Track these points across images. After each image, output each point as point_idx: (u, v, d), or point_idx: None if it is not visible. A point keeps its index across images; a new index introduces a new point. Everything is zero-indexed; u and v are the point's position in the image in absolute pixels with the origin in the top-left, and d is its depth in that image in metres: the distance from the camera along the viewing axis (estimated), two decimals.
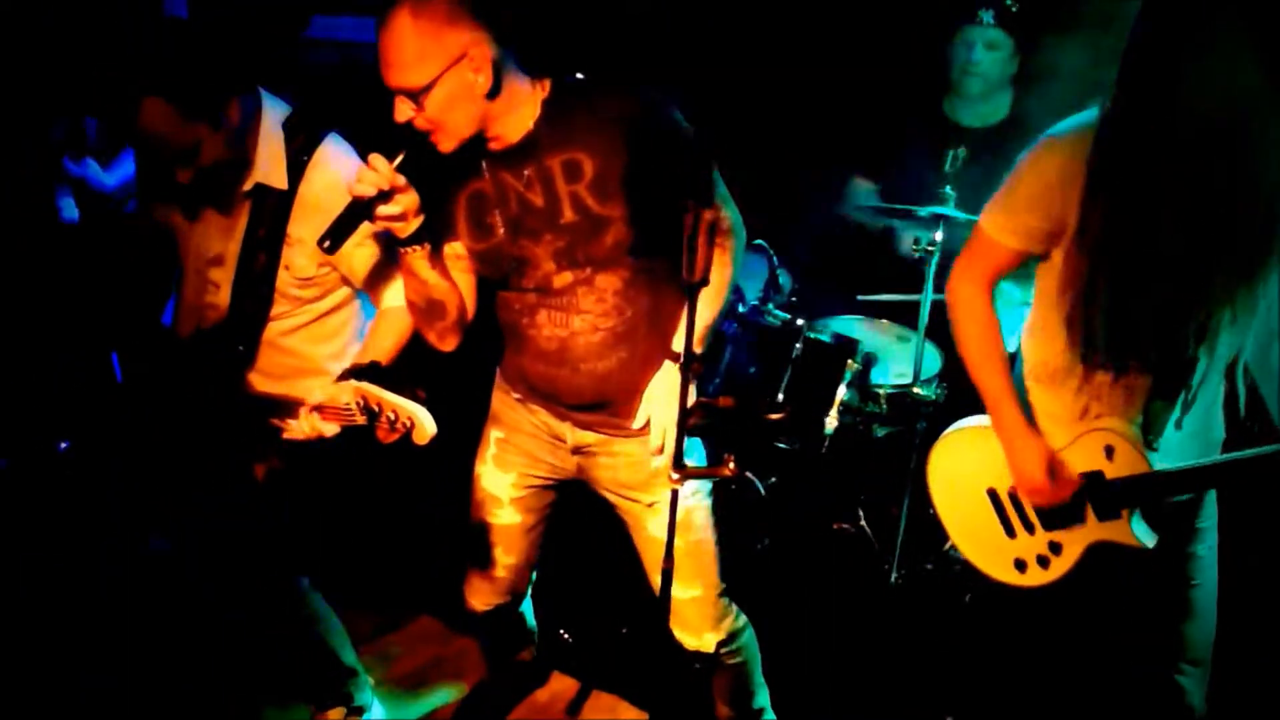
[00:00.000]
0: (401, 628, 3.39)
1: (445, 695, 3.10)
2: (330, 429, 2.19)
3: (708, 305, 2.23)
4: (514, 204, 2.16)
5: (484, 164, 2.16)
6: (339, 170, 2.33)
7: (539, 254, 2.18)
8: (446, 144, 2.06)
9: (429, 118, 2.00)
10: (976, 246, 2.22)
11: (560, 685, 3.15)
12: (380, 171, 1.97)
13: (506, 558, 2.54)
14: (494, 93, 2.03)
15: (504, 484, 2.47)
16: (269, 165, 2.29)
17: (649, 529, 2.39)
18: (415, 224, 2.07)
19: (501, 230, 2.19)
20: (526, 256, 2.18)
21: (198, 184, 2.23)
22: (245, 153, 2.27)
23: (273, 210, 2.32)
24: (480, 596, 2.62)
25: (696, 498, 2.36)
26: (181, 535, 2.77)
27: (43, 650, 2.97)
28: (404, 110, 2.00)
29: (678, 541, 2.30)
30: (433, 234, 2.16)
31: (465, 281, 2.30)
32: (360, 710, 2.85)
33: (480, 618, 2.67)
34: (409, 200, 2.02)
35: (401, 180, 2.00)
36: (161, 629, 3.09)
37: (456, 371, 2.74)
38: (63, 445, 3.34)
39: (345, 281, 2.46)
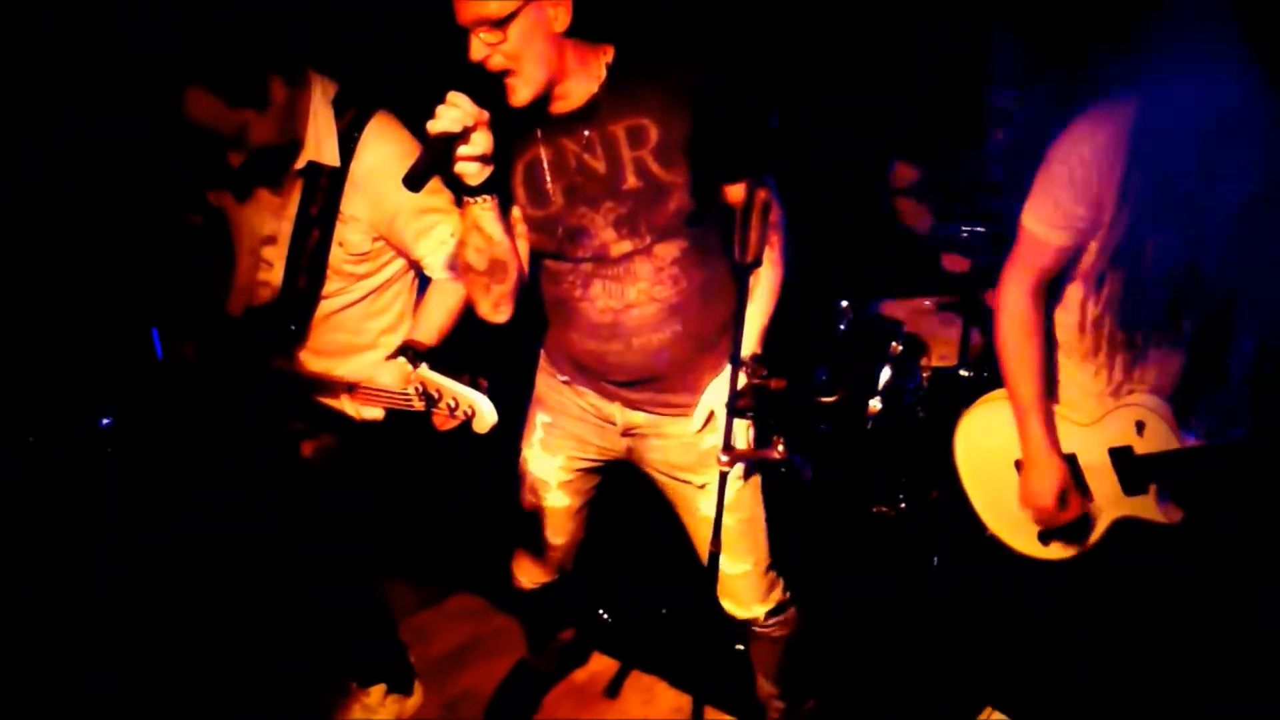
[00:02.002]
0: (440, 605, 3.41)
1: (487, 672, 3.11)
2: (374, 414, 2.19)
3: (762, 304, 2.21)
4: (573, 170, 2.14)
5: (542, 131, 2.14)
6: (391, 146, 2.34)
7: (597, 221, 2.15)
8: (523, 90, 2.02)
9: (508, 52, 1.96)
10: (1022, 247, 2.20)
11: (599, 665, 3.16)
12: (462, 108, 1.91)
13: (555, 538, 2.55)
14: (570, 32, 2.01)
15: (552, 467, 2.46)
16: (320, 143, 2.29)
17: (701, 510, 2.38)
18: (487, 171, 2.01)
19: (559, 198, 2.16)
20: (584, 224, 2.16)
21: (251, 166, 2.23)
22: (296, 132, 2.27)
23: (325, 188, 2.32)
24: (528, 575, 2.63)
25: (745, 477, 2.34)
26: (224, 512, 2.79)
27: (82, 625, 2.99)
28: (481, 47, 1.96)
29: (729, 520, 2.32)
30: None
31: (521, 247, 2.26)
32: (402, 688, 2.87)
33: (527, 595, 2.68)
34: (486, 141, 1.97)
35: (485, 116, 1.94)
36: (204, 604, 3.11)
37: (498, 351, 2.74)
38: (104, 421, 3.38)
39: (399, 254, 2.46)
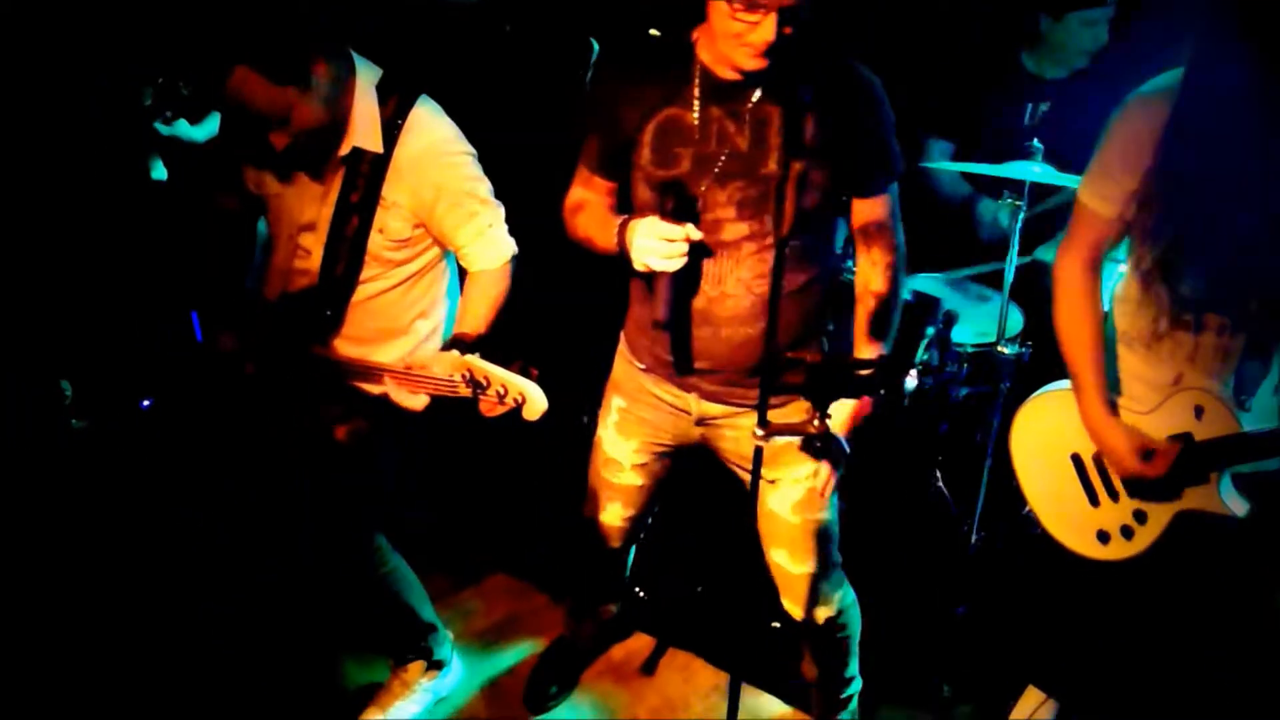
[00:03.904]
0: (479, 584, 3.42)
1: (522, 650, 3.13)
2: (419, 402, 2.20)
3: (874, 332, 2.21)
4: (713, 140, 2.07)
5: (698, 90, 2.07)
6: (435, 132, 2.35)
7: (719, 198, 2.08)
8: (762, 62, 1.94)
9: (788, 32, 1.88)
10: (1076, 221, 2.19)
11: (636, 643, 3.17)
12: (678, 239, 1.93)
13: (626, 510, 2.57)
14: None
15: (626, 450, 2.46)
16: (365, 129, 2.29)
17: (769, 503, 2.37)
18: None
19: (686, 164, 2.08)
20: (705, 199, 2.08)
21: (295, 150, 2.23)
22: (341, 115, 2.27)
23: (367, 175, 2.32)
24: (595, 539, 2.64)
25: (818, 478, 2.30)
26: (260, 493, 2.82)
27: (116, 604, 3.04)
28: (769, 31, 1.87)
29: (796, 519, 2.34)
30: (623, 156, 2.15)
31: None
32: (439, 665, 2.89)
33: (588, 555, 2.71)
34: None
35: (695, 235, 1.96)
36: (240, 584, 3.15)
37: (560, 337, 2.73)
38: (145, 403, 3.42)
39: (437, 242, 2.47)
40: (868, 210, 2.19)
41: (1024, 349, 3.15)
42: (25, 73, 2.96)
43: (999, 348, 3.11)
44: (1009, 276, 3.06)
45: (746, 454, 2.28)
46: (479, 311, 2.42)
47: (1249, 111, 1.85)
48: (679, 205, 2.00)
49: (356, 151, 2.31)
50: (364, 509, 2.58)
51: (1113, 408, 2.23)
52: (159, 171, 3.22)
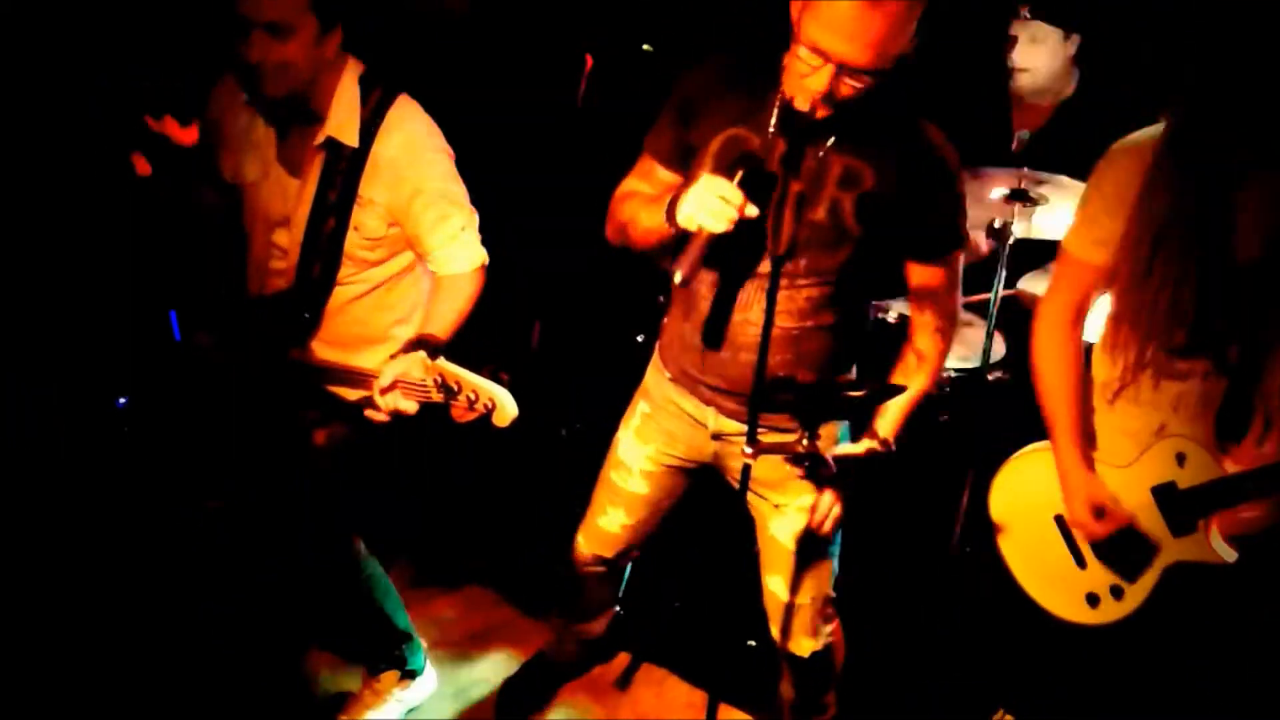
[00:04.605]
0: (455, 594, 3.39)
1: (497, 662, 3.11)
2: (411, 407, 2.17)
3: (905, 382, 2.17)
4: (774, 169, 2.01)
5: (773, 117, 2.01)
6: (414, 129, 2.33)
7: (765, 229, 2.02)
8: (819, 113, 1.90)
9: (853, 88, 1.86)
10: (1062, 274, 2.21)
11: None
12: (733, 202, 1.82)
13: (626, 519, 2.54)
14: None
15: (639, 455, 2.46)
16: (342, 120, 2.28)
17: (770, 528, 2.37)
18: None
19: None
20: (749, 228, 1.96)
21: (258, 77, 2.17)
22: (321, 96, 2.25)
23: (345, 171, 2.30)
24: (590, 544, 2.61)
25: (818, 509, 2.27)
26: (236, 497, 2.79)
27: (89, 609, 2.99)
28: (822, 81, 1.84)
29: (795, 547, 2.32)
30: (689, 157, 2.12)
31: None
32: (412, 674, 2.86)
33: (575, 563, 2.66)
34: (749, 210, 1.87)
35: (751, 211, 1.85)
36: (214, 589, 3.11)
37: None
38: (121, 401, 3.38)
39: (409, 245, 2.45)
40: (925, 275, 2.17)
41: (1005, 375, 3.16)
42: (25, 72, 2.94)
43: (982, 374, 3.13)
44: (994, 300, 3.07)
45: (758, 477, 2.29)
46: (446, 317, 2.37)
47: (1231, 158, 1.89)
48: (750, 178, 1.89)
49: (334, 145, 2.29)
50: (341, 514, 2.56)
51: (1090, 464, 2.24)
52: (144, 168, 3.19)
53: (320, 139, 2.30)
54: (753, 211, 1.85)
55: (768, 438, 2.22)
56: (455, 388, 2.06)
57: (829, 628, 2.47)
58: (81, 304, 3.15)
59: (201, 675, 2.87)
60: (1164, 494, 2.16)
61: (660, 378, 2.40)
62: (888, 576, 3.29)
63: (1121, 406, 2.20)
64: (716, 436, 2.34)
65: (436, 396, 2.10)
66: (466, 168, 2.44)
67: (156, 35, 3.02)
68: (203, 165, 2.48)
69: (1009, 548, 2.42)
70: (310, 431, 2.49)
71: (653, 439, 2.43)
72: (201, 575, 3.13)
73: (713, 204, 1.83)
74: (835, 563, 2.42)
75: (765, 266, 2.02)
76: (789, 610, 2.40)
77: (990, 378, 3.13)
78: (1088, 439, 2.25)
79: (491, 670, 3.07)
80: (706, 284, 2.16)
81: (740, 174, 1.87)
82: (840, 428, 2.32)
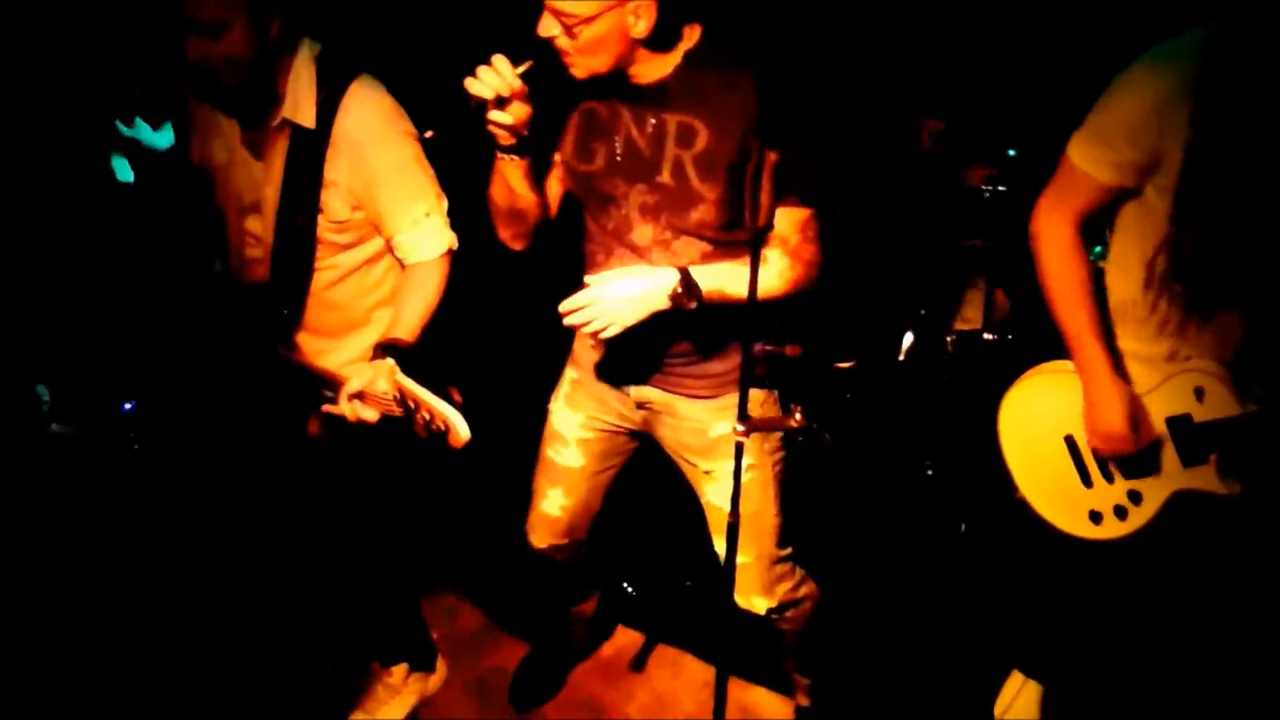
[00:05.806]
0: (464, 583, 3.38)
1: (509, 650, 3.10)
2: (372, 415, 2.13)
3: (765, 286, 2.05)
4: (620, 141, 2.08)
5: (610, 90, 2.06)
6: (374, 108, 2.27)
7: (629, 199, 2.10)
8: (579, 73, 1.96)
9: (575, 47, 1.91)
10: (1065, 180, 2.08)
11: (625, 639, 3.15)
12: (502, 76, 1.87)
13: (565, 499, 2.52)
14: (648, 41, 1.95)
15: (572, 424, 2.44)
16: (298, 101, 2.23)
17: (706, 495, 2.37)
18: (517, 136, 1.98)
19: (599, 161, 2.11)
20: (615, 196, 2.12)
21: (204, 71, 2.14)
22: (274, 85, 2.22)
23: (308, 154, 2.26)
24: (538, 534, 2.60)
25: (754, 471, 2.28)
26: (242, 491, 2.79)
27: (98, 609, 3.01)
28: (551, 27, 1.89)
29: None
30: (540, 144, 2.10)
31: (556, 190, 2.23)
32: (424, 666, 2.86)
33: (538, 555, 2.65)
34: (522, 112, 1.93)
35: (521, 87, 1.90)
36: (224, 585, 3.12)
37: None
38: (127, 406, 3.39)
39: (375, 229, 2.39)
40: (785, 218, 2.09)
41: (1009, 335, 3.13)
42: (25, 72, 2.93)
43: (983, 334, 3.09)
44: (996, 261, 3.04)
45: (685, 444, 2.32)
46: (414, 314, 2.31)
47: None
48: (596, 203, 2.00)
49: (298, 134, 2.25)
50: (349, 507, 2.55)
51: (1123, 374, 2.15)
52: (126, 174, 3.18)
53: (277, 120, 2.25)
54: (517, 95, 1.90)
55: (681, 404, 2.25)
56: (413, 406, 2.03)
57: (784, 585, 2.44)
58: (81, 304, 3.16)
59: (215, 672, 2.88)
60: (1179, 425, 2.12)
61: (585, 345, 2.38)
62: (895, 544, 3.27)
63: (1134, 328, 2.14)
64: (641, 405, 2.34)
65: (397, 411, 2.07)
66: (434, 154, 2.39)
67: (156, 35, 3.00)
68: (180, 163, 2.44)
69: (1016, 466, 2.38)
70: (305, 420, 2.47)
71: (583, 405, 2.42)
72: (204, 573, 3.14)
73: (485, 69, 1.88)
74: (778, 520, 2.38)
75: (640, 238, 2.10)
76: (737, 571, 2.34)
77: (987, 338, 3.08)
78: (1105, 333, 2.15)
79: (504, 659, 3.07)
80: (599, 251, 2.19)
81: (528, 65, 1.91)
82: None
